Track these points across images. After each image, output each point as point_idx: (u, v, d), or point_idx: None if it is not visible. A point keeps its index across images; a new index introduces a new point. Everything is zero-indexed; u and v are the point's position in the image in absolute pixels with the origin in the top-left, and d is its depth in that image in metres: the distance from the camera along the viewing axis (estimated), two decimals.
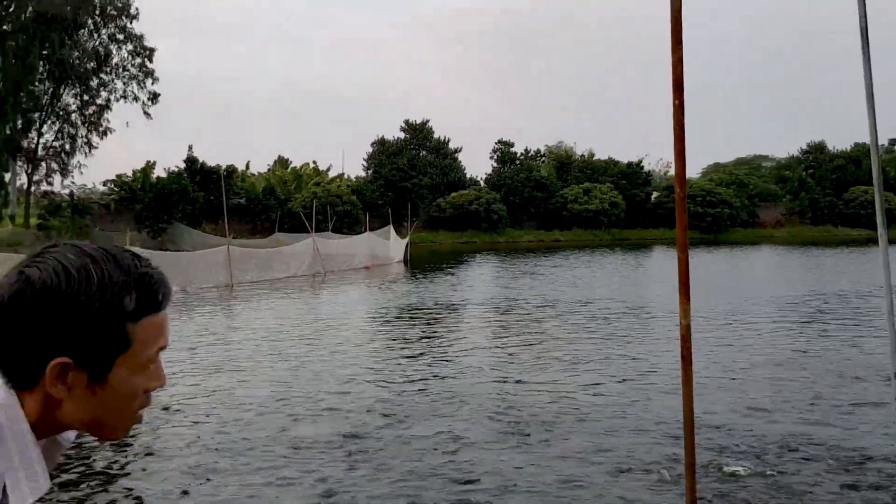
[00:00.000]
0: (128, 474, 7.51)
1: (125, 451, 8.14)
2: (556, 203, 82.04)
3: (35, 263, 1.30)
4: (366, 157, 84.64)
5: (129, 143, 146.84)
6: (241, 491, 6.89)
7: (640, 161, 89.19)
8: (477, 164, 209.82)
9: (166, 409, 9.84)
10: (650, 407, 9.72)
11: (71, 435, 1.46)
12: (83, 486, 7.09)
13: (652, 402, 9.94)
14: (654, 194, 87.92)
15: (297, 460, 7.70)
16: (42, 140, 58.17)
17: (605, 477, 7.12)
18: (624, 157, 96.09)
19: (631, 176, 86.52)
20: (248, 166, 78.34)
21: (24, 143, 55.30)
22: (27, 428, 1.30)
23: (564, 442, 8.27)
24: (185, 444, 8.35)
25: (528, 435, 8.52)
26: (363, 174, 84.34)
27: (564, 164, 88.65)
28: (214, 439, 8.53)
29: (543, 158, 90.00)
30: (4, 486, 1.27)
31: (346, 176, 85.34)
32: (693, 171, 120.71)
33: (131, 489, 7.07)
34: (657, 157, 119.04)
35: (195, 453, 8.04)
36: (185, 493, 6.87)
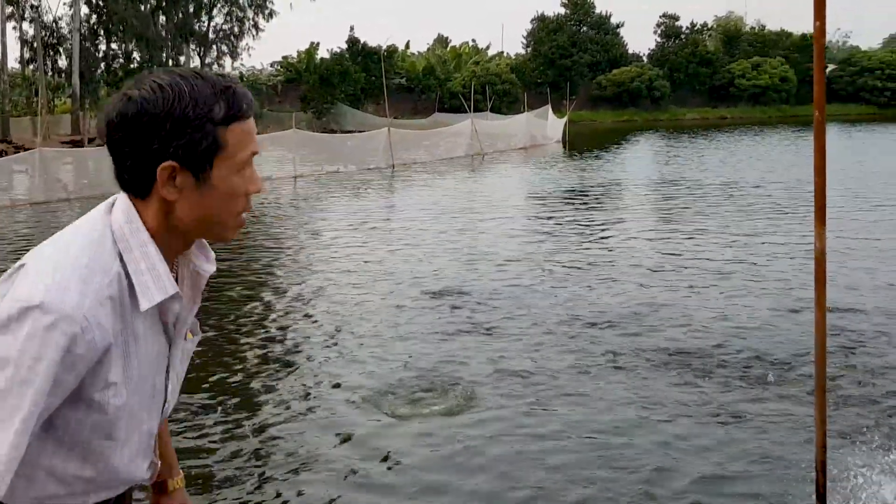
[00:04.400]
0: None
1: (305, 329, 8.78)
2: (722, 79, 78.86)
3: (135, 86, 1.52)
4: (525, 34, 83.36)
5: (294, 25, 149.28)
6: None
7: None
8: (640, 40, 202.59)
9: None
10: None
11: (210, 268, 1.75)
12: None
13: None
14: (830, 67, 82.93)
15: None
16: (212, 23, 60.06)
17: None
18: (797, 28, 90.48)
19: (804, 48, 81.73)
20: (408, 46, 78.81)
21: (196, 27, 57.30)
22: (148, 237, 1.55)
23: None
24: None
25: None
26: (522, 52, 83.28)
27: (732, 37, 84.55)
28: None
29: (710, 32, 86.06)
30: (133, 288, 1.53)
31: (504, 54, 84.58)
32: (873, 40, 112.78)
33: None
34: (835, 26, 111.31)
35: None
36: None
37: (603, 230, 14.60)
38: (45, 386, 1.41)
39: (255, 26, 62.34)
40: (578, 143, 41.26)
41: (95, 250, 1.51)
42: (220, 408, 6.22)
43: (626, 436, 5.60)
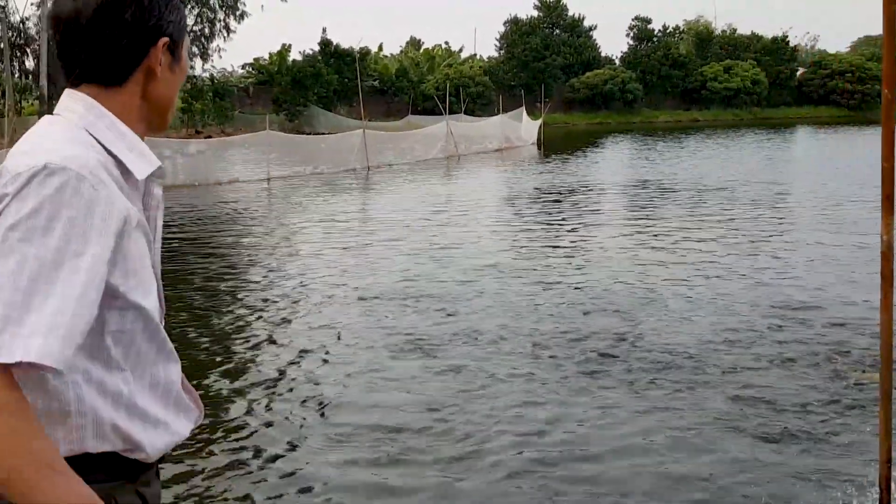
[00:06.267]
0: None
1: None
2: (694, 81, 79.23)
3: None
4: (498, 36, 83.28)
5: (266, 27, 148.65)
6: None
7: (786, 35, 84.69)
8: (612, 43, 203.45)
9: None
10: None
11: (158, 191, 1.65)
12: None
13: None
14: (800, 70, 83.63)
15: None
16: None
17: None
18: (767, 31, 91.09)
19: (775, 51, 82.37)
20: (380, 48, 78.47)
21: None
22: (117, 119, 1.55)
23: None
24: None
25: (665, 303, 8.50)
26: (495, 55, 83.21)
27: (704, 40, 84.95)
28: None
29: (682, 35, 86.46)
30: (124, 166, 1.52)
31: (478, 56, 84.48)
32: (841, 45, 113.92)
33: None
34: (803, 30, 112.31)
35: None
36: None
37: (575, 230, 14.51)
38: (98, 238, 1.37)
39: (227, 28, 61.77)
40: (553, 146, 41.21)
41: (73, 133, 1.49)
42: None
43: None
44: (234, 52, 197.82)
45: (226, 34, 61.89)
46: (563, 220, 16.07)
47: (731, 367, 6.90)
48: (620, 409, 6.03)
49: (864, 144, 38.22)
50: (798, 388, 6.40)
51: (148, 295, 1.52)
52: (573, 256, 12.15)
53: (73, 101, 1.54)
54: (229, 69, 71.46)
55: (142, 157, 1.55)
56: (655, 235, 13.84)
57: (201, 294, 10.00)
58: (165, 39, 1.58)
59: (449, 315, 8.75)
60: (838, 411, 5.94)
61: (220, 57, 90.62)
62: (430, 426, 5.78)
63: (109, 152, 1.49)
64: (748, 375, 6.70)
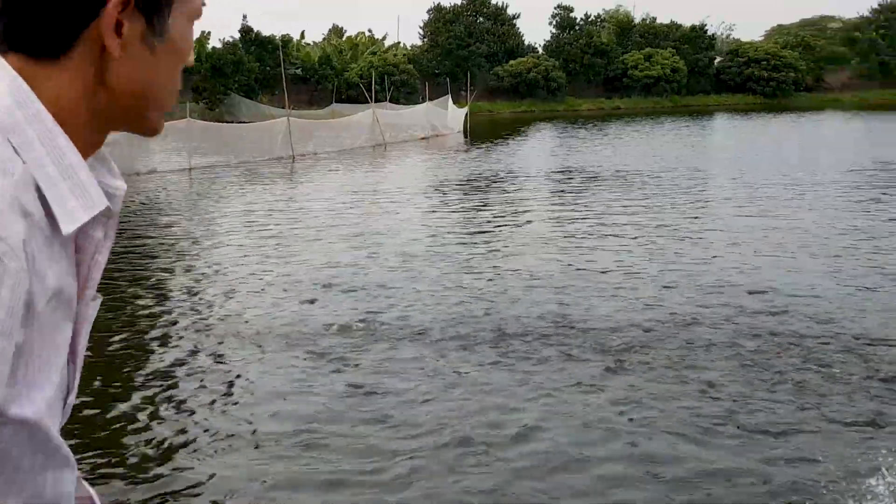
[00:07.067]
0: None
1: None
2: (616, 70, 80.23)
3: None
4: (422, 24, 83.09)
5: None
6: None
7: (704, 24, 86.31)
8: (536, 31, 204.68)
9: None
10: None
11: (121, 184, 1.09)
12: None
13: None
14: (717, 59, 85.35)
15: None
16: None
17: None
18: (686, 19, 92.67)
19: (693, 40, 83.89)
20: (303, 35, 77.56)
21: None
22: (55, 125, 0.94)
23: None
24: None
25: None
26: (419, 43, 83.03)
27: (625, 28, 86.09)
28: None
29: (604, 23, 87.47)
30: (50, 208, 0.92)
31: (402, 45, 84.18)
32: (755, 33, 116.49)
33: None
34: (719, 19, 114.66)
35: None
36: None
37: (500, 216, 14.59)
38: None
39: None
40: (479, 134, 41.35)
41: None
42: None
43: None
44: None
45: None
46: (488, 206, 16.14)
47: (647, 347, 7.05)
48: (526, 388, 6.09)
49: (778, 131, 39.26)
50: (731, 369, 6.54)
51: (37, 396, 0.94)
52: (498, 242, 12.22)
53: None
54: None
55: (80, 193, 0.95)
56: (579, 221, 13.98)
57: (115, 287, 9.77)
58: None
59: (373, 303, 8.71)
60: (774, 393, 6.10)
61: None
62: (345, 412, 5.75)
63: (35, 183, 0.91)
64: (662, 354, 6.83)
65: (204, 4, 1.08)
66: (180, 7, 1.02)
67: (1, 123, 0.90)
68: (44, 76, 0.95)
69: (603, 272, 10.09)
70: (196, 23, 1.06)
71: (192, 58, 1.08)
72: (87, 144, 1.01)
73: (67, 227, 0.93)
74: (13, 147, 0.90)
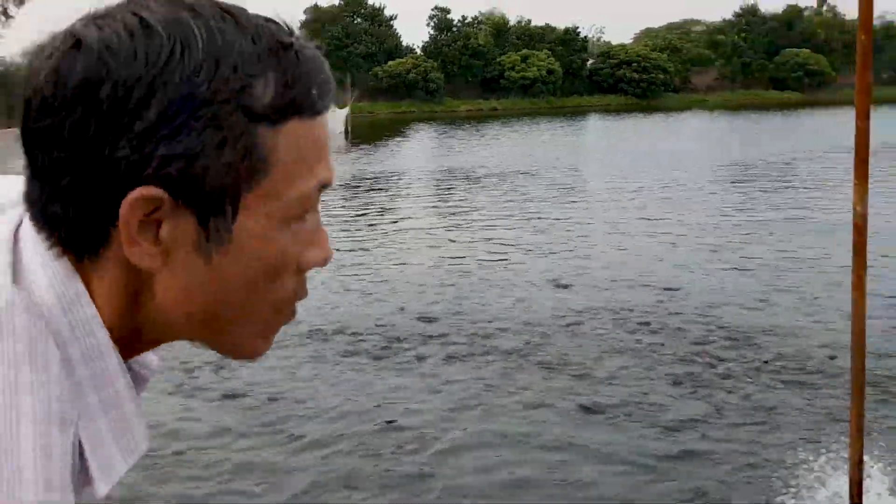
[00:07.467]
0: None
1: None
2: (493, 71, 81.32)
3: (95, 21, 0.67)
4: (298, 25, 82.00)
5: (55, 14, 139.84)
6: None
7: (576, 27, 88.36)
8: (413, 32, 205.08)
9: None
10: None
11: (153, 359, 0.82)
12: None
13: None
14: (590, 61, 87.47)
15: None
16: None
17: None
18: (560, 22, 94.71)
19: (567, 42, 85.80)
20: None
21: None
22: (105, 337, 0.68)
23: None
24: None
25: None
26: None
27: (501, 31, 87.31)
28: None
29: (480, 25, 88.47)
30: (81, 443, 0.66)
31: None
32: (625, 36, 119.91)
33: None
34: (590, 22, 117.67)
35: None
36: None
37: (381, 215, 14.66)
38: None
39: (4, 13, 57.68)
40: (360, 135, 41.22)
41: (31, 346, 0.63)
42: None
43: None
44: (16, 39, 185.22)
45: (3, 20, 57.85)
46: (371, 207, 16.12)
47: (535, 342, 7.26)
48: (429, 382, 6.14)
49: (648, 131, 40.54)
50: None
51: None
52: (383, 243, 12.25)
53: (39, 265, 0.68)
54: (8, 59, 66.91)
55: (120, 438, 0.70)
56: (460, 220, 14.12)
57: None
58: (148, 192, 0.65)
59: None
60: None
61: None
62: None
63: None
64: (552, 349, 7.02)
65: (327, 185, 0.75)
66: (262, 202, 0.70)
67: (52, 328, 0.66)
68: (85, 277, 0.69)
69: (488, 270, 10.25)
70: (298, 225, 0.74)
71: (324, 253, 0.79)
72: (134, 349, 0.74)
73: (102, 486, 0.69)
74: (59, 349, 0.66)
